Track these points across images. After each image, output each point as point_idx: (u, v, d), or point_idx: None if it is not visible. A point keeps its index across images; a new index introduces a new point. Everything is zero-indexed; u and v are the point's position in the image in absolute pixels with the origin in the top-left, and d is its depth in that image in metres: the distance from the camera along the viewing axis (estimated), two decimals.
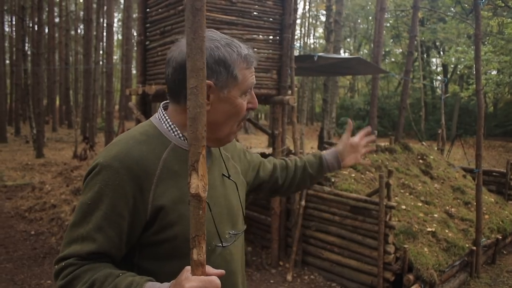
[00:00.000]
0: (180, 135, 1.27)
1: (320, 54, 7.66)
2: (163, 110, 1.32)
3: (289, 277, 5.16)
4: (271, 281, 5.13)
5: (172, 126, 1.28)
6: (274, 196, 1.90)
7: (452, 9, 22.35)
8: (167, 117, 1.30)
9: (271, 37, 5.46)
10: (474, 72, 5.34)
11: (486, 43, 15.18)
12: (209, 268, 1.03)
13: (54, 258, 5.49)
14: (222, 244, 1.27)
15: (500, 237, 5.81)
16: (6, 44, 28.16)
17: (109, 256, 1.17)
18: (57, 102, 29.66)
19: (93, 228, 1.14)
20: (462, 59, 17.72)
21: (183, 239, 1.16)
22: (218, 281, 1.01)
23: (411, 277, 4.42)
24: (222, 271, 1.06)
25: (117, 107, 32.80)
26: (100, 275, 1.11)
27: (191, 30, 0.91)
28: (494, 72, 17.37)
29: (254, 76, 1.31)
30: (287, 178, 1.75)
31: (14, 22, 27.06)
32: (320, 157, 1.79)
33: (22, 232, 6.50)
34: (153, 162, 1.19)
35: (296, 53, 6.77)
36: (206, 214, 1.13)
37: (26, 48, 18.80)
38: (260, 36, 5.37)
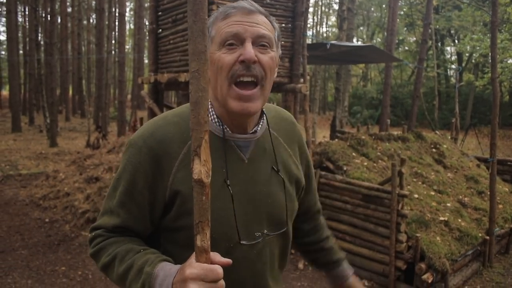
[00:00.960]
0: (216, 119, 1.20)
1: (333, 42, 7.60)
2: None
3: (300, 265, 5.18)
4: None
5: (212, 112, 1.22)
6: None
7: None
8: (210, 103, 1.22)
9: (283, 24, 5.42)
10: (490, 60, 5.26)
11: (502, 30, 14.90)
12: (215, 256, 1.01)
13: (68, 245, 5.59)
14: (239, 241, 1.17)
15: None
16: (20, 34, 28.41)
17: (134, 231, 1.20)
18: (70, 92, 29.88)
19: (117, 203, 1.19)
20: (478, 48, 17.44)
21: None
22: (220, 270, 0.98)
23: (423, 265, 4.40)
24: (228, 260, 1.02)
25: (129, 96, 32.97)
26: (121, 249, 1.15)
27: (192, 12, 0.89)
28: (510, 61, 17.08)
29: (237, 24, 1.12)
30: (308, 236, 1.60)
31: (27, 12, 27.26)
32: (342, 263, 1.60)
33: (36, 219, 6.59)
34: (177, 145, 1.16)
35: (308, 41, 6.73)
36: (230, 210, 1.14)
37: (39, 38, 18.89)
38: None
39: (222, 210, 1.15)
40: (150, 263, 1.08)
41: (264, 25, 1.15)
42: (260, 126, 1.26)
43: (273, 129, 1.31)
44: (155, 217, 1.20)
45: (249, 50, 1.10)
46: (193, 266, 0.97)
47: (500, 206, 5.91)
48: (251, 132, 1.23)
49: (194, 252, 1.00)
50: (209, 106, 1.21)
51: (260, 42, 1.13)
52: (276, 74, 1.23)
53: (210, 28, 1.17)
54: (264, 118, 1.28)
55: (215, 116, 1.20)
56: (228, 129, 1.20)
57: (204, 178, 0.94)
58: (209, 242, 0.98)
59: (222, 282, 0.99)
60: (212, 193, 1.06)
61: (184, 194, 1.14)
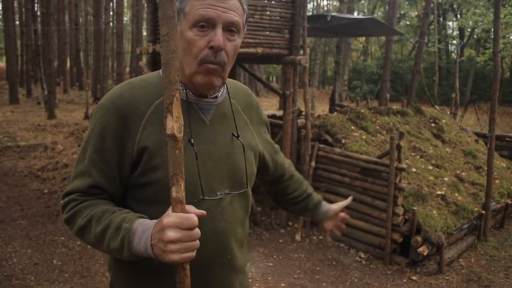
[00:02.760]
0: (181, 85, 1.28)
1: (334, 14, 7.49)
2: None
3: (297, 237, 5.23)
4: (280, 241, 5.21)
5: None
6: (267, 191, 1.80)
7: None
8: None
9: None
10: (492, 35, 5.20)
11: (506, 5, 14.70)
12: (190, 207, 1.06)
13: None
14: (203, 197, 1.23)
15: (510, 202, 5.80)
16: (15, 4, 27.93)
17: (107, 191, 1.25)
18: (68, 64, 29.61)
19: (88, 163, 1.24)
20: (480, 23, 17.23)
21: (165, 184, 1.16)
22: (195, 218, 1.03)
23: (419, 238, 4.44)
24: (203, 212, 1.08)
25: (128, 68, 32.69)
26: (97, 211, 1.19)
27: None
28: None
29: (210, 8, 1.18)
30: (288, 188, 1.72)
31: None
32: (320, 201, 1.76)
33: (35, 190, 6.62)
34: (144, 105, 1.24)
35: (309, 14, 6.63)
36: (194, 167, 1.21)
37: (36, 8, 18.60)
38: None
39: (187, 167, 1.19)
40: (128, 220, 1.13)
41: (236, 10, 1.22)
42: (220, 93, 1.34)
43: (232, 98, 1.40)
44: (124, 177, 1.25)
45: (219, 38, 1.18)
46: (170, 215, 1.03)
47: (497, 181, 5.94)
48: (212, 97, 1.31)
49: (171, 205, 1.05)
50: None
51: (229, 28, 1.21)
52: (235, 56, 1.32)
53: (184, 2, 1.22)
54: (225, 86, 1.37)
55: (180, 83, 1.28)
56: (190, 92, 1.28)
57: (177, 133, 1.01)
58: (183, 194, 1.03)
59: (198, 230, 1.05)
60: None
61: (150, 150, 1.21)
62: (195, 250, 1.05)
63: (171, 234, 1.01)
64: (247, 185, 1.37)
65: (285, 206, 1.79)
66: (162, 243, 1.03)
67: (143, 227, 1.10)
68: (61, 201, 1.27)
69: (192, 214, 1.04)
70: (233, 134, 1.34)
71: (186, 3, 1.21)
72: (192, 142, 1.23)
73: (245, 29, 1.34)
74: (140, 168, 1.23)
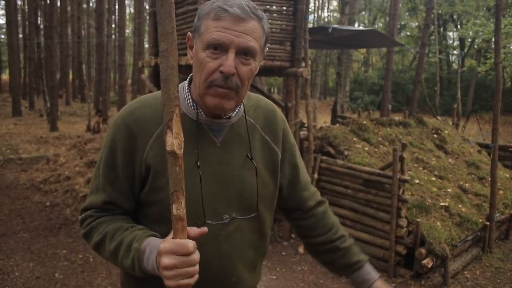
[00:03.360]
0: (192, 103, 1.26)
1: (335, 26, 7.53)
2: (189, 80, 1.32)
3: (300, 250, 5.19)
4: (283, 253, 5.17)
5: (188, 96, 1.28)
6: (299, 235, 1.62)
7: None
8: (188, 87, 1.30)
9: (284, 7, 5.36)
10: (493, 45, 5.21)
11: (506, 15, 14.76)
12: (191, 229, 1.06)
13: (69, 229, 5.62)
14: (205, 220, 1.21)
15: None
16: (19, 17, 28.16)
17: (121, 207, 1.26)
18: (70, 76, 29.75)
19: (102, 180, 1.26)
20: (480, 33, 17.28)
21: (166, 206, 1.16)
22: (191, 244, 1.02)
23: (423, 251, 4.41)
24: (203, 230, 1.07)
25: (129, 80, 32.83)
26: (111, 228, 1.22)
27: None
28: None
29: (224, 33, 1.14)
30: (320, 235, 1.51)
31: None
32: (363, 266, 1.50)
33: (37, 203, 6.61)
34: (152, 124, 1.23)
35: (310, 26, 6.66)
36: (198, 189, 1.20)
37: (39, 21, 18.74)
38: (274, 7, 5.28)
39: (191, 189, 1.19)
40: (137, 239, 1.15)
41: (253, 33, 1.17)
42: (235, 112, 1.30)
43: (251, 117, 1.34)
44: (136, 192, 1.26)
45: (230, 64, 1.14)
46: (166, 241, 1.04)
47: (501, 192, 5.91)
48: (225, 117, 1.27)
49: (172, 222, 1.04)
50: (187, 90, 1.28)
51: (243, 52, 1.17)
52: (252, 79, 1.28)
53: (200, 21, 1.19)
54: (241, 105, 1.32)
55: (190, 100, 1.26)
56: (202, 113, 1.25)
57: (177, 150, 1.00)
58: (184, 211, 1.02)
59: (195, 256, 1.04)
60: (186, 174, 1.14)
61: (156, 170, 1.21)
62: (195, 276, 1.04)
63: (166, 260, 1.02)
64: (258, 208, 1.31)
65: (314, 254, 1.57)
66: (160, 269, 1.04)
67: (150, 248, 1.11)
68: (79, 217, 1.31)
69: (188, 240, 1.03)
70: (247, 155, 1.30)
71: (202, 21, 1.18)
72: (199, 164, 1.21)
73: (266, 48, 1.30)
74: (147, 187, 1.23)
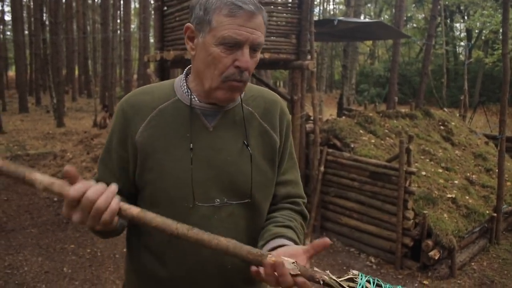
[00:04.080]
0: (186, 90, 1.30)
1: (340, 18, 7.49)
2: (188, 71, 1.36)
3: (307, 242, 5.20)
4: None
5: (184, 84, 1.33)
6: None
7: None
8: (184, 77, 1.35)
9: (290, 0, 5.34)
10: (501, 36, 5.17)
11: None
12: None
13: (76, 224, 5.69)
14: (194, 203, 1.23)
15: None
16: (25, 14, 28.24)
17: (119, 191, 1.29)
18: (76, 72, 29.85)
19: (99, 160, 1.36)
20: (488, 24, 17.13)
21: (158, 188, 1.24)
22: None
23: (430, 242, 4.40)
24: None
25: (135, 75, 32.90)
26: None
27: None
28: None
29: (241, 31, 1.16)
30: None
31: None
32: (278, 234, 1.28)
33: (45, 199, 6.65)
34: (148, 109, 1.28)
35: (315, 18, 6.63)
36: (189, 172, 1.22)
37: (44, 17, 18.78)
38: (279, 0, 5.25)
39: (183, 172, 1.23)
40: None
41: (261, 28, 1.21)
42: None
43: (250, 106, 1.36)
44: (130, 174, 1.30)
45: (247, 60, 1.19)
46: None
47: (508, 183, 5.88)
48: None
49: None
50: (183, 79, 1.33)
51: (254, 48, 1.21)
52: None
53: (210, 15, 1.19)
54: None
55: (186, 87, 1.31)
56: (196, 98, 1.29)
57: None
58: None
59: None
60: (177, 156, 1.23)
61: (146, 151, 1.25)
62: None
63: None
64: (252, 196, 1.30)
65: None
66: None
67: None
68: None
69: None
70: (244, 142, 1.31)
71: (212, 16, 1.18)
72: (191, 147, 1.24)
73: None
74: (138, 169, 1.28)
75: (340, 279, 0.93)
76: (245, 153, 1.30)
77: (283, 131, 1.42)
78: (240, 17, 1.16)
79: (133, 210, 1.01)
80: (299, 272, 0.96)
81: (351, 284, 0.92)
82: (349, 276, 0.93)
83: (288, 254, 1.04)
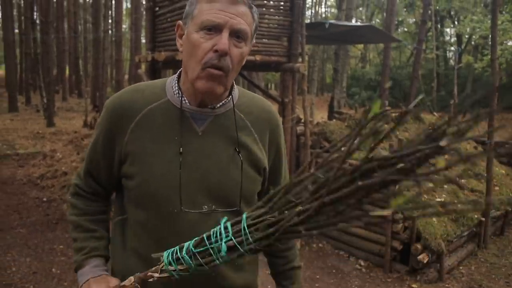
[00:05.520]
0: (177, 91, 1.27)
1: (332, 21, 7.53)
2: (178, 74, 1.33)
3: (297, 245, 5.20)
4: None
5: (175, 84, 1.30)
6: None
7: None
8: (176, 78, 1.31)
9: (282, 3, 5.35)
10: (490, 41, 5.22)
11: (503, 12, 14.76)
12: None
13: (66, 224, 5.60)
14: (181, 208, 1.20)
15: (510, 209, 5.79)
16: (15, 12, 28.00)
17: (98, 182, 1.37)
18: (67, 72, 29.64)
19: (86, 154, 1.37)
20: (478, 29, 17.31)
21: (143, 191, 1.23)
22: None
23: (419, 246, 4.43)
24: None
25: (126, 76, 32.76)
26: (77, 220, 1.37)
27: None
28: (510, 43, 16.96)
29: (219, 14, 1.15)
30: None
31: None
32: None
33: (34, 198, 6.60)
34: (138, 108, 1.25)
35: (307, 21, 6.65)
36: (177, 176, 1.21)
37: (35, 16, 18.64)
38: (271, 2, 5.27)
39: (171, 175, 1.21)
40: (85, 253, 1.32)
41: (245, 17, 1.19)
42: (221, 103, 1.29)
43: (242, 112, 1.33)
44: (115, 170, 1.30)
45: (224, 42, 1.14)
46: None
47: (497, 188, 5.93)
48: (210, 107, 1.27)
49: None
50: (175, 80, 1.30)
51: (236, 34, 1.18)
52: (243, 64, 1.28)
53: (193, 5, 1.20)
54: (230, 98, 1.31)
55: (177, 88, 1.28)
56: (187, 100, 1.26)
57: None
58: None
59: None
60: (165, 160, 1.21)
61: (134, 154, 1.24)
62: None
63: None
64: (241, 203, 1.28)
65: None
66: None
67: (81, 273, 1.30)
68: (72, 181, 1.44)
69: None
70: (235, 148, 1.28)
71: (195, 6, 1.19)
72: (181, 151, 1.21)
73: (254, 39, 1.31)
74: (124, 169, 1.27)
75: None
76: (235, 160, 1.27)
77: (275, 144, 1.41)
78: (219, 2, 1.15)
79: None
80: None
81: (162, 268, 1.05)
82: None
83: None
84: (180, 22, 1.26)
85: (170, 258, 1.03)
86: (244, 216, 0.97)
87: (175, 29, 1.29)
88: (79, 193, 1.40)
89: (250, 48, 1.29)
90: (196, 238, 1.03)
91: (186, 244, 1.03)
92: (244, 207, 1.29)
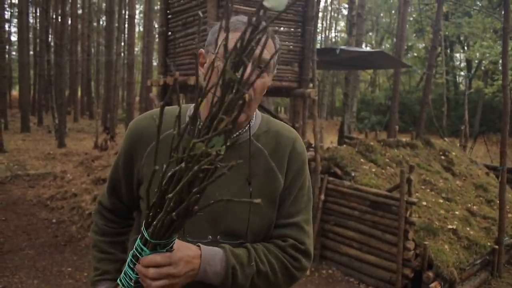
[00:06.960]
0: None
1: (342, 47, 7.58)
2: None
3: (307, 272, 5.14)
4: None
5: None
6: None
7: (478, 2, 21.86)
8: None
9: (292, 29, 5.42)
10: (500, 67, 5.22)
11: None
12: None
13: (74, 246, 5.59)
14: (184, 236, 1.19)
15: None
16: (30, 35, 28.60)
17: (121, 201, 1.43)
18: (79, 93, 30.04)
19: (109, 174, 1.45)
20: (487, 54, 17.33)
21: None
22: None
23: (430, 274, 4.36)
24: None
25: (137, 98, 33.11)
26: (97, 240, 1.45)
27: None
28: None
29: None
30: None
31: (38, 14, 27.46)
32: None
33: (44, 220, 6.61)
34: (149, 136, 1.30)
35: (317, 46, 6.71)
36: None
37: (50, 39, 19.02)
38: (282, 28, 5.33)
39: None
40: (97, 274, 1.40)
41: (268, 47, 1.18)
42: (238, 133, 1.26)
43: (261, 141, 1.29)
44: (134, 190, 1.36)
45: (247, 72, 1.11)
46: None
47: (510, 215, 5.85)
48: None
49: None
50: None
51: (258, 65, 1.15)
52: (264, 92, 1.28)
53: (216, 34, 1.21)
54: (247, 128, 1.27)
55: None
56: None
57: None
58: None
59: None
60: None
61: (147, 178, 1.21)
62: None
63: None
64: (247, 236, 1.24)
65: None
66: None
67: None
68: (98, 199, 1.52)
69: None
70: (247, 179, 1.24)
71: (218, 35, 1.19)
72: None
73: (275, 69, 1.30)
74: (140, 192, 1.33)
75: None
76: (245, 191, 1.24)
77: (292, 170, 1.32)
78: (241, 31, 1.09)
79: None
80: None
81: None
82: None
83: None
84: (202, 50, 1.27)
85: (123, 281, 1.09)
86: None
87: (198, 57, 1.27)
88: (101, 212, 1.48)
89: (273, 77, 1.28)
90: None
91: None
92: (252, 239, 1.25)
